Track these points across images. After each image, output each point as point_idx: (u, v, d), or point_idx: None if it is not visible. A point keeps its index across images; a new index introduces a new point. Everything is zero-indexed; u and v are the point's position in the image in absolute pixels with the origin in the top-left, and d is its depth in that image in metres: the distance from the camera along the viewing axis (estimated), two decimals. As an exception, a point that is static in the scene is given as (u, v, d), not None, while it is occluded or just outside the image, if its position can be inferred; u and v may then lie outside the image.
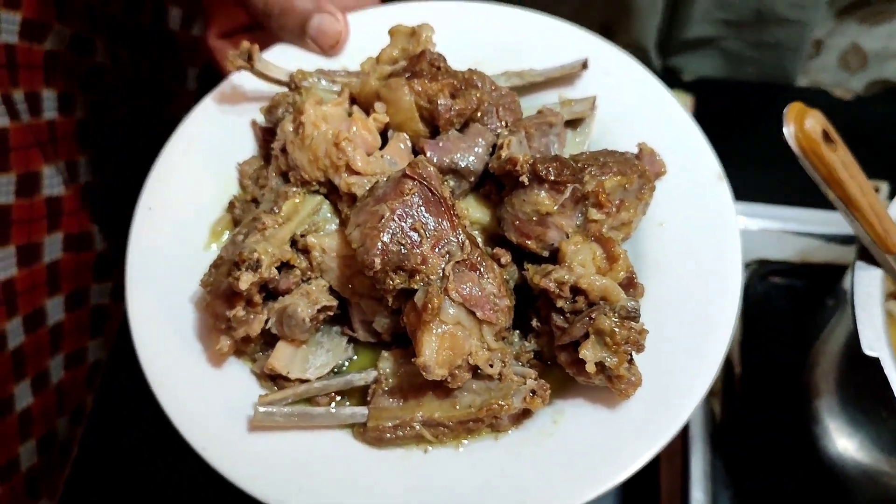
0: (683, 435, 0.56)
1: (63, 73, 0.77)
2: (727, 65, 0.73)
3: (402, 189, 0.40)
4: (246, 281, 0.40)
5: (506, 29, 0.53)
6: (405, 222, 0.40)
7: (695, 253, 0.45)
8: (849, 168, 0.41)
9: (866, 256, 0.44)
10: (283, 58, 0.52)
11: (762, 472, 0.55)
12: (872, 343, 0.42)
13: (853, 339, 0.42)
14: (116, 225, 0.86)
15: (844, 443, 0.50)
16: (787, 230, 0.65)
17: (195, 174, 0.49)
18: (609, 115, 0.50)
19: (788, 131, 0.40)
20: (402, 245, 0.39)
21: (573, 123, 0.50)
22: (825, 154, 0.40)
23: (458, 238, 0.40)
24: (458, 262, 0.40)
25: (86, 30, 0.81)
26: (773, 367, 0.59)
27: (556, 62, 0.51)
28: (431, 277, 0.40)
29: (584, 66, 0.50)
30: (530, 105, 0.50)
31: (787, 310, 0.62)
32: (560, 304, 0.40)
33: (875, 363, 0.41)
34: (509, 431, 0.42)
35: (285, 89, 0.50)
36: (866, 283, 0.43)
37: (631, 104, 0.50)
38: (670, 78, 0.74)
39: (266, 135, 0.50)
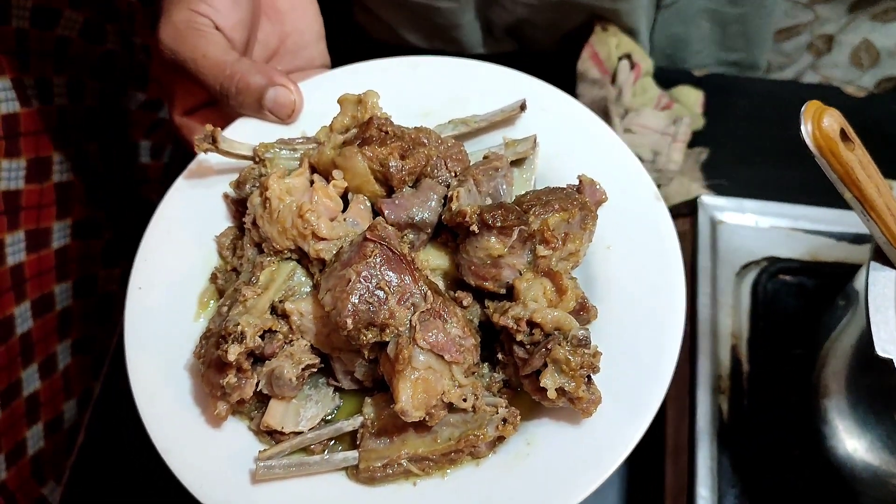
0: (690, 432, 0.56)
1: (74, 60, 0.75)
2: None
3: (365, 252, 0.43)
4: (234, 352, 0.43)
5: (449, 79, 0.55)
6: (371, 282, 0.43)
7: (641, 270, 0.49)
8: (866, 168, 0.40)
9: (881, 257, 0.43)
10: (245, 129, 0.54)
11: (769, 471, 0.56)
12: (886, 345, 0.41)
13: (865, 340, 0.41)
14: (124, 213, 0.87)
15: (854, 443, 0.50)
16: (798, 228, 0.64)
17: (177, 251, 0.52)
18: (550, 150, 0.53)
19: (806, 130, 0.38)
20: (370, 304, 0.42)
21: (518, 162, 0.52)
22: (843, 154, 0.39)
23: (420, 290, 0.43)
24: (422, 311, 0.43)
25: (98, 17, 0.79)
26: (782, 365, 0.59)
27: (499, 104, 0.54)
28: (400, 329, 0.43)
29: (523, 107, 0.52)
30: (477, 149, 0.53)
31: (796, 308, 0.62)
32: (519, 337, 0.44)
33: (888, 365, 0.40)
34: (488, 456, 0.45)
35: (251, 162, 0.52)
36: (881, 285, 0.42)
37: (569, 137, 0.53)
38: (679, 74, 0.74)
39: (238, 206, 0.52)
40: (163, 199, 0.53)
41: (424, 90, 0.55)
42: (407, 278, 0.44)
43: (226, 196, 0.53)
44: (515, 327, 0.43)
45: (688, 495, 0.54)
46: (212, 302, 0.51)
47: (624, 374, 0.45)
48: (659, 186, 0.65)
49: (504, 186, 0.50)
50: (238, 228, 0.53)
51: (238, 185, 0.51)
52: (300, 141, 0.53)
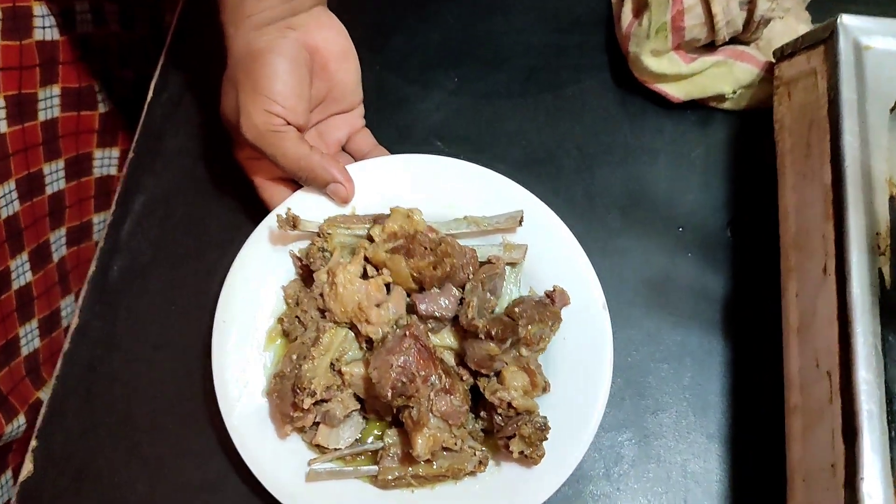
0: (841, 303, 0.48)
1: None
2: None
3: (403, 345, 0.60)
4: (307, 402, 0.60)
5: (469, 180, 0.69)
6: (405, 366, 0.60)
7: (584, 359, 0.66)
8: None
9: None
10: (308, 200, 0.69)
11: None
12: None
13: None
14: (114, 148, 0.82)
15: None
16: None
17: (252, 295, 0.66)
18: (535, 256, 0.69)
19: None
20: (403, 381, 0.59)
21: (512, 263, 0.69)
22: None
23: (438, 374, 0.61)
24: (437, 389, 0.60)
25: None
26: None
27: (506, 209, 0.68)
28: (422, 400, 0.60)
29: (521, 221, 0.68)
30: (482, 243, 0.69)
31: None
32: (500, 410, 0.62)
33: None
34: (464, 480, 0.64)
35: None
36: None
37: (550, 248, 0.68)
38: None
39: (302, 267, 0.67)
40: (241, 250, 0.66)
41: (451, 186, 0.69)
42: (430, 365, 0.61)
43: (292, 255, 0.68)
44: (499, 405, 0.61)
45: (843, 380, 0.46)
46: (279, 339, 0.67)
47: (561, 430, 0.63)
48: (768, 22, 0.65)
49: (500, 283, 0.67)
50: (300, 282, 0.68)
51: (307, 256, 0.66)
52: (354, 220, 0.67)
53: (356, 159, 0.72)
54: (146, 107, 0.77)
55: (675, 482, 0.65)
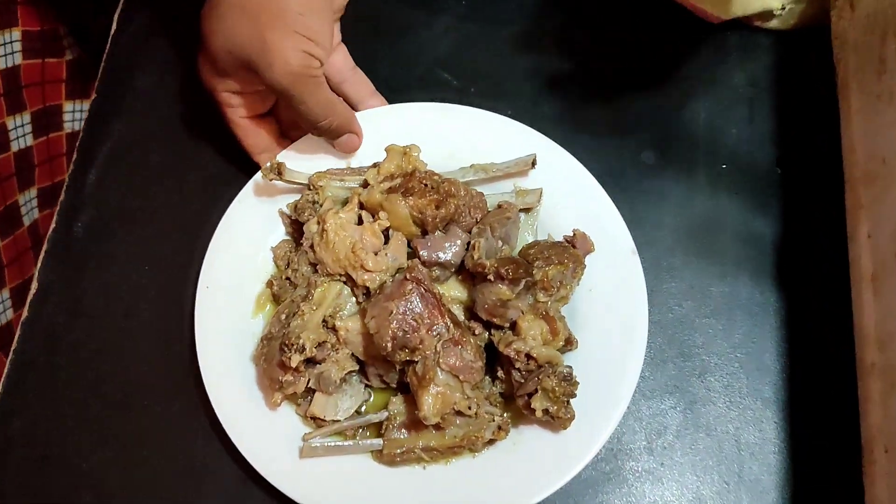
0: None
1: None
2: None
3: (404, 290, 0.56)
4: (295, 360, 0.56)
5: (474, 127, 0.66)
6: (407, 314, 0.56)
7: (614, 311, 0.62)
8: None
9: None
10: (306, 148, 0.66)
11: None
12: None
13: None
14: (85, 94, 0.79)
15: None
16: None
17: (238, 257, 0.63)
18: (551, 202, 0.65)
19: None
20: (406, 331, 0.55)
21: (526, 210, 0.65)
22: None
23: (444, 322, 0.56)
24: (445, 340, 0.56)
25: None
26: None
27: (514, 155, 0.66)
28: (427, 353, 0.56)
29: (534, 164, 0.64)
30: (492, 191, 0.65)
31: None
32: (518, 365, 0.57)
33: None
34: (482, 451, 0.60)
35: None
36: None
37: (568, 192, 0.65)
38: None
39: (293, 223, 0.64)
40: (227, 211, 0.64)
41: (453, 135, 0.66)
42: (435, 313, 0.57)
43: (281, 213, 0.65)
44: (516, 357, 0.57)
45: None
46: (268, 305, 0.63)
47: (591, 394, 0.59)
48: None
49: (514, 230, 0.63)
50: (292, 242, 0.65)
51: (296, 209, 0.63)
52: (347, 173, 0.64)
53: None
54: (109, 40, 0.74)
55: (727, 454, 0.61)
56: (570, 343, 0.59)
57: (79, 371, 0.63)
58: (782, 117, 0.72)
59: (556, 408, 0.56)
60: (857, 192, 0.62)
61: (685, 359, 0.64)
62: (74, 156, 0.69)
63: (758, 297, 0.65)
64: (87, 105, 0.79)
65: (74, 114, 0.80)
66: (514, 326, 0.59)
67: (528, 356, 0.56)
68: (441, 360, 0.55)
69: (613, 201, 0.62)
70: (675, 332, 0.65)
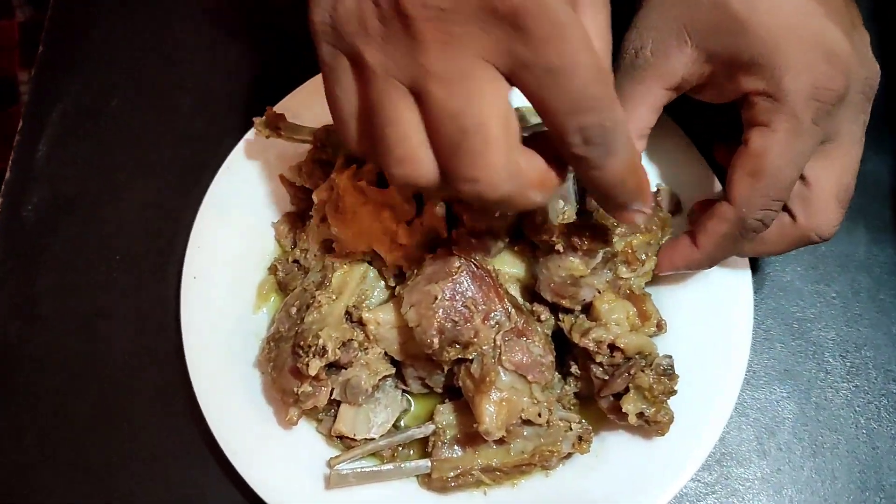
0: None
1: None
2: None
3: (451, 269, 0.44)
4: (315, 367, 0.44)
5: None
6: (456, 300, 0.44)
7: (707, 280, 0.51)
8: None
9: None
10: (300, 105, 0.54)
11: None
12: None
13: None
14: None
15: None
16: None
17: (232, 238, 0.53)
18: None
19: None
20: (456, 322, 0.44)
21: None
22: None
23: (505, 308, 0.45)
24: (506, 331, 0.45)
25: None
26: None
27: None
28: (484, 348, 0.45)
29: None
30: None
31: None
32: (599, 359, 0.46)
33: None
34: (558, 468, 0.48)
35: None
36: None
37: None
38: None
39: (298, 192, 0.52)
40: (213, 180, 0.52)
41: None
42: (492, 296, 0.45)
43: (283, 178, 0.53)
44: (596, 349, 0.45)
45: None
46: (273, 295, 0.52)
47: (691, 390, 0.48)
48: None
49: (572, 186, 0.51)
50: (297, 215, 0.53)
51: (301, 172, 0.51)
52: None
53: None
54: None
55: (860, 455, 0.52)
56: (660, 327, 0.47)
57: (41, 390, 0.54)
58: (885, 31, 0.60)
59: (653, 410, 0.44)
60: None
61: (795, 336, 0.55)
62: (20, 123, 0.57)
63: (879, 256, 0.56)
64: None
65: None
66: (588, 309, 0.47)
67: (613, 346, 0.45)
68: (503, 357, 0.44)
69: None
70: (781, 304, 0.56)
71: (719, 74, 0.42)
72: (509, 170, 0.31)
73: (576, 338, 0.47)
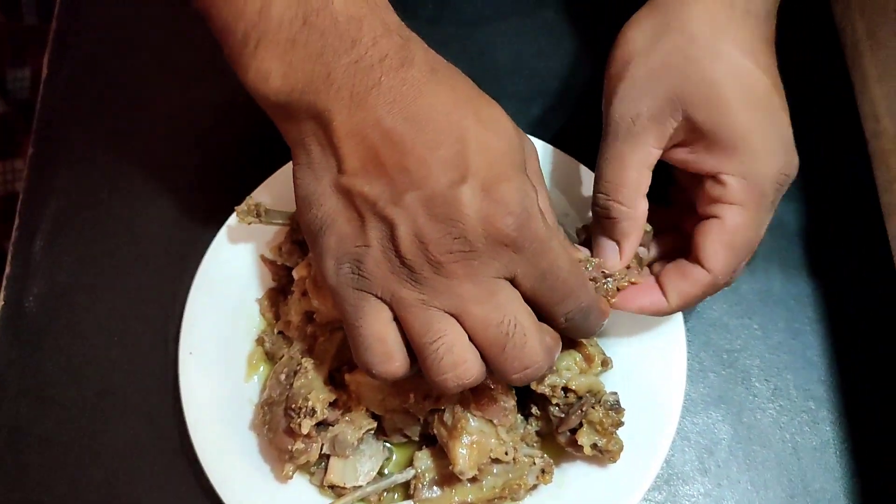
0: None
1: None
2: None
3: (421, 331, 0.52)
4: (306, 426, 0.51)
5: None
6: (427, 359, 0.51)
7: (646, 326, 0.58)
8: None
9: None
10: (275, 191, 0.61)
11: None
12: None
13: None
14: None
15: None
16: None
17: (221, 315, 0.59)
18: (560, 212, 0.61)
19: None
20: (428, 378, 0.51)
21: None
22: None
23: (469, 363, 0.52)
24: (472, 382, 0.52)
25: None
26: None
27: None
28: (454, 399, 0.52)
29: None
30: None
31: None
32: (555, 401, 0.54)
33: None
34: (526, 498, 0.55)
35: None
36: None
37: (575, 199, 0.61)
38: None
39: (279, 270, 0.59)
40: (201, 264, 0.59)
41: None
42: (458, 353, 0.52)
43: (264, 258, 0.60)
44: (552, 393, 0.53)
45: None
46: (262, 365, 0.58)
47: (637, 420, 0.56)
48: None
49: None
50: (279, 291, 0.60)
51: (280, 252, 0.58)
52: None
53: None
54: (42, 86, 0.68)
55: (787, 465, 0.59)
56: (605, 364, 0.55)
57: (52, 468, 0.57)
58: (790, 95, 0.69)
59: (605, 441, 0.52)
60: (888, 164, 0.60)
61: (725, 365, 0.61)
62: (17, 221, 0.63)
63: (792, 290, 0.62)
64: (19, 163, 0.73)
65: (6, 175, 0.76)
66: None
67: (566, 389, 0.52)
68: (472, 406, 0.51)
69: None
70: (711, 338, 0.63)
71: (699, 146, 0.46)
72: (544, 349, 0.42)
73: (534, 385, 0.54)
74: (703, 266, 0.47)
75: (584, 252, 0.50)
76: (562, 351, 0.53)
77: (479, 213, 0.37)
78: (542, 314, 0.43)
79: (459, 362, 0.40)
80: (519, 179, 0.39)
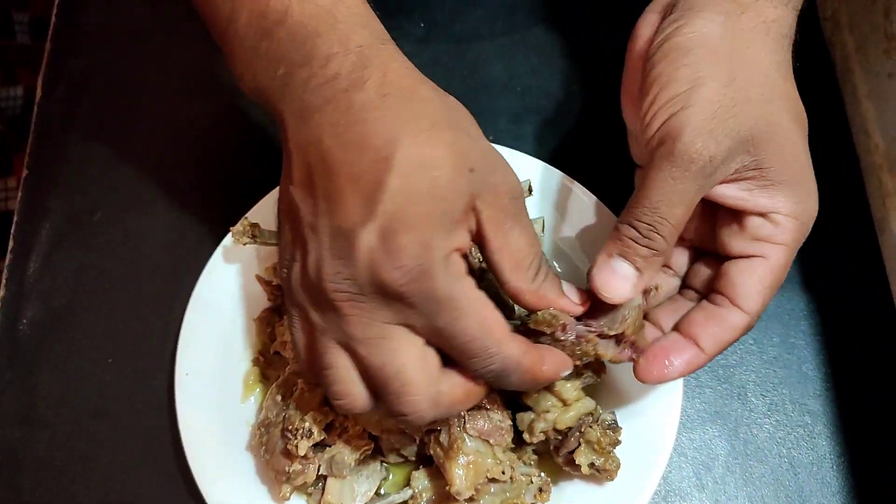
0: None
1: None
2: None
3: (417, 351, 0.52)
4: (304, 447, 0.51)
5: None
6: (424, 379, 0.52)
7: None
8: None
9: None
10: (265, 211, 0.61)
11: None
12: None
13: None
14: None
15: None
16: None
17: (217, 336, 0.59)
18: (553, 231, 0.62)
19: None
20: (425, 398, 0.51)
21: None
22: None
23: (466, 382, 0.53)
24: (468, 402, 0.52)
25: None
26: None
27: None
28: (450, 419, 0.52)
29: (530, 191, 0.61)
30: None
31: None
32: (552, 436, 0.53)
33: None
34: (523, 517, 0.55)
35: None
36: None
37: (572, 221, 0.62)
38: None
39: (274, 289, 0.59)
40: (196, 285, 0.59)
41: None
42: (454, 372, 0.53)
43: (259, 278, 0.60)
44: (546, 438, 0.53)
45: None
46: (258, 386, 0.58)
47: (634, 438, 0.56)
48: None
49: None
50: (274, 310, 0.60)
51: (276, 272, 0.58)
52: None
53: None
54: (36, 107, 0.68)
55: (784, 480, 0.59)
56: (600, 371, 0.54)
57: (47, 491, 0.57)
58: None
59: (602, 459, 0.52)
60: (880, 179, 0.60)
61: (721, 381, 0.61)
62: (10, 244, 0.63)
63: (786, 305, 0.63)
64: (11, 182, 0.74)
65: None
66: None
67: (556, 430, 0.53)
68: (467, 426, 0.51)
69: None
70: None
71: (753, 183, 0.43)
72: (431, 400, 0.40)
73: (528, 437, 0.54)
74: (740, 308, 0.44)
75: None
76: (537, 393, 0.53)
77: (368, 260, 0.36)
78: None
79: (345, 394, 0.41)
80: (425, 231, 0.36)
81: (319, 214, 0.37)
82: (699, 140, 0.40)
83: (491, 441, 0.53)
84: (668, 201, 0.41)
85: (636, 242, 0.42)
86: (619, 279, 0.43)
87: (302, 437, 0.51)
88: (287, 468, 0.53)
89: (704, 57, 0.41)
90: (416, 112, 0.37)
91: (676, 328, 0.46)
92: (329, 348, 0.40)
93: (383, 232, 0.36)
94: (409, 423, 0.42)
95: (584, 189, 0.62)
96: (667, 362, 0.45)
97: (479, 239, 0.40)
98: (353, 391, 0.41)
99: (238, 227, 0.57)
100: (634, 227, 0.42)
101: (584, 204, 0.61)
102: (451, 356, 0.41)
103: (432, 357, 0.40)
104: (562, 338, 0.46)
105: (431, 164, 0.36)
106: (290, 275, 0.40)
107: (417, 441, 0.54)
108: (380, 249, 0.36)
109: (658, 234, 0.42)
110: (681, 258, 0.50)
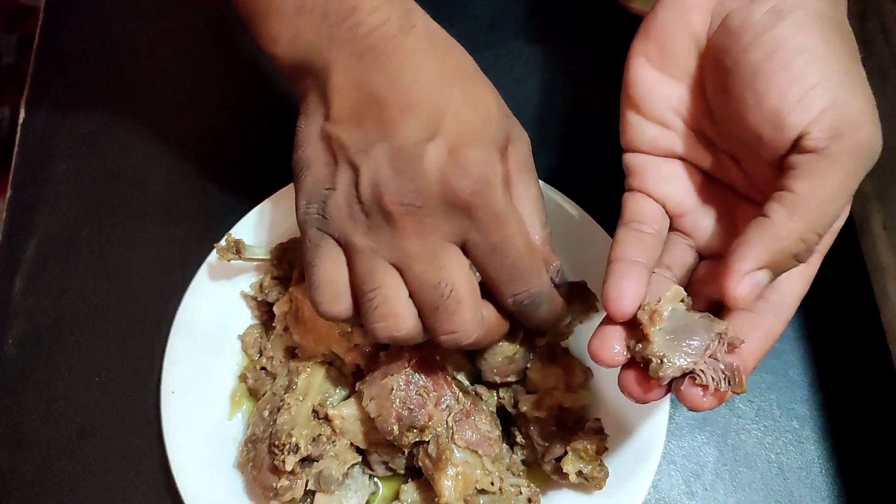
0: None
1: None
2: None
3: (401, 359, 0.52)
4: (290, 462, 0.51)
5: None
6: (410, 389, 0.52)
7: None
8: None
9: None
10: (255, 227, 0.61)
11: None
12: None
13: None
14: None
15: None
16: None
17: (203, 353, 0.59)
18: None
19: None
20: (412, 409, 0.51)
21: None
22: None
23: (453, 392, 0.53)
24: (456, 412, 0.53)
25: None
26: None
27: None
28: (438, 430, 0.52)
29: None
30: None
31: None
32: (543, 416, 0.54)
33: None
34: (513, 529, 0.56)
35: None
36: None
37: (562, 238, 0.62)
38: None
39: (260, 306, 0.60)
40: (182, 302, 0.59)
41: None
42: (441, 382, 0.53)
43: (245, 295, 0.60)
44: (548, 415, 0.54)
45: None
46: (245, 403, 0.58)
47: (622, 446, 0.56)
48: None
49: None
50: (262, 327, 0.60)
51: (261, 289, 0.59)
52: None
53: None
54: (19, 129, 0.68)
55: (773, 485, 0.59)
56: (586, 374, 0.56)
57: None
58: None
59: (590, 467, 0.52)
60: (861, 188, 0.60)
61: None
62: (-5, 265, 0.63)
63: None
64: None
65: None
66: (522, 379, 0.55)
67: (561, 407, 0.54)
68: (455, 436, 0.52)
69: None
70: None
71: None
72: (477, 320, 0.42)
73: (525, 409, 0.54)
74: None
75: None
76: (543, 370, 0.54)
77: (437, 171, 0.38)
78: (492, 291, 0.43)
79: (391, 315, 0.41)
80: (487, 150, 0.40)
81: (373, 140, 0.39)
82: (874, 129, 0.35)
83: (480, 452, 0.53)
84: (844, 198, 0.36)
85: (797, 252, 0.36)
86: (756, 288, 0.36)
87: (289, 453, 0.52)
88: (275, 484, 0.53)
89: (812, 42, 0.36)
90: (460, 59, 0.42)
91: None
92: (378, 269, 0.40)
93: (451, 147, 0.38)
94: (455, 343, 0.42)
95: (568, 199, 0.62)
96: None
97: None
98: (401, 311, 0.41)
99: (223, 243, 0.58)
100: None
101: (569, 215, 0.62)
102: (494, 279, 0.42)
103: (476, 283, 0.42)
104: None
105: (483, 101, 0.41)
106: (325, 208, 0.41)
107: (406, 453, 0.54)
108: (449, 161, 0.38)
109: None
110: (687, 258, 0.45)
